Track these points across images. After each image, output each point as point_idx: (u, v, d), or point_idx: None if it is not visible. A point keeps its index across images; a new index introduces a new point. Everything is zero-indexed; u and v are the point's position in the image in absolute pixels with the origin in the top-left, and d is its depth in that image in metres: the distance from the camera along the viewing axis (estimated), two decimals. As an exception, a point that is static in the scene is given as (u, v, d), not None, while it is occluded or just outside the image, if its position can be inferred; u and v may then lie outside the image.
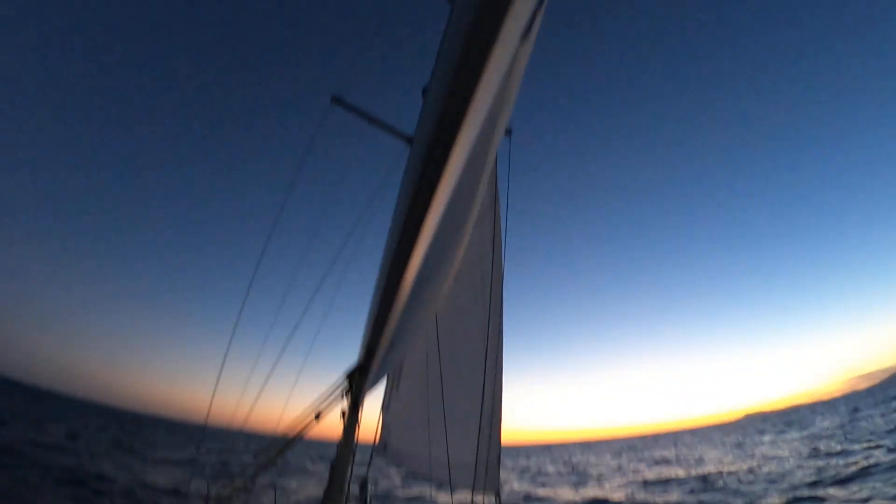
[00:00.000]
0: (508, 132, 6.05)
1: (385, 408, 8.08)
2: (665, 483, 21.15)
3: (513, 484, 27.29)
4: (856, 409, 59.37)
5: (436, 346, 6.12)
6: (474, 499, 5.18)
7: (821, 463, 18.38)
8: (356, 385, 4.14)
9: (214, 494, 3.85)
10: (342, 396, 4.12)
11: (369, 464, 7.74)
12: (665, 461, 34.33)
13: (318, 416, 3.98)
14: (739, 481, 17.91)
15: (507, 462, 56.77)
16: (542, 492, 22.90)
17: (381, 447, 8.25)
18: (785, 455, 24.64)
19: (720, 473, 21.45)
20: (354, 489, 8.48)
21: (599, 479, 26.62)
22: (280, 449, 3.90)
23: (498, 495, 5.69)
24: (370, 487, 9.00)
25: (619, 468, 33.86)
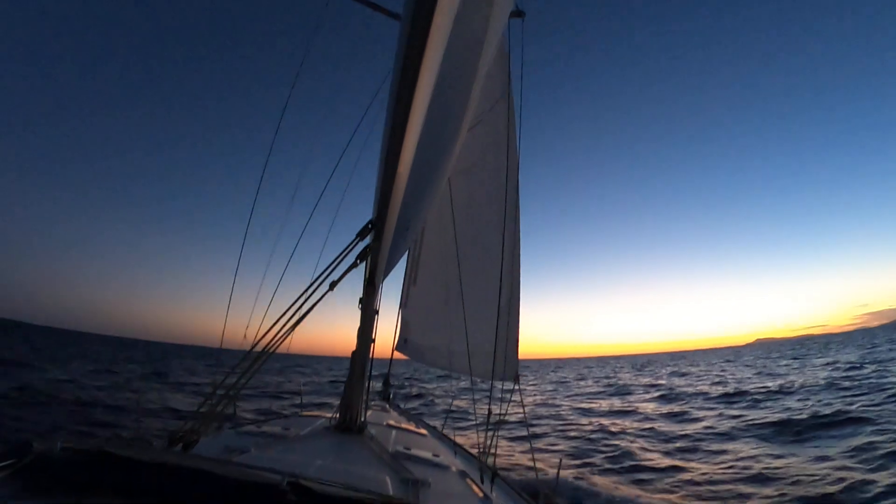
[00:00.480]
0: (519, 14, 5.67)
1: (403, 304, 8.08)
2: (735, 396, 20.17)
3: (560, 399, 26.92)
4: (874, 345, 59.13)
5: (453, 241, 5.97)
6: (494, 386, 5.15)
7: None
8: (371, 254, 4.02)
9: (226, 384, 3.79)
10: (357, 263, 3.98)
11: (391, 360, 7.85)
12: (717, 379, 31.67)
13: (332, 286, 3.82)
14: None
15: (531, 375, 57.96)
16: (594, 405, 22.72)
17: (402, 343, 8.34)
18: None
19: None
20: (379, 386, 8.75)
21: (650, 393, 25.92)
22: (294, 323, 3.76)
23: (517, 381, 5.67)
24: (392, 384, 9.24)
25: (655, 384, 32.71)
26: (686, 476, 8.86)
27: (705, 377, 33.64)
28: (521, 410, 5.64)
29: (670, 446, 11.33)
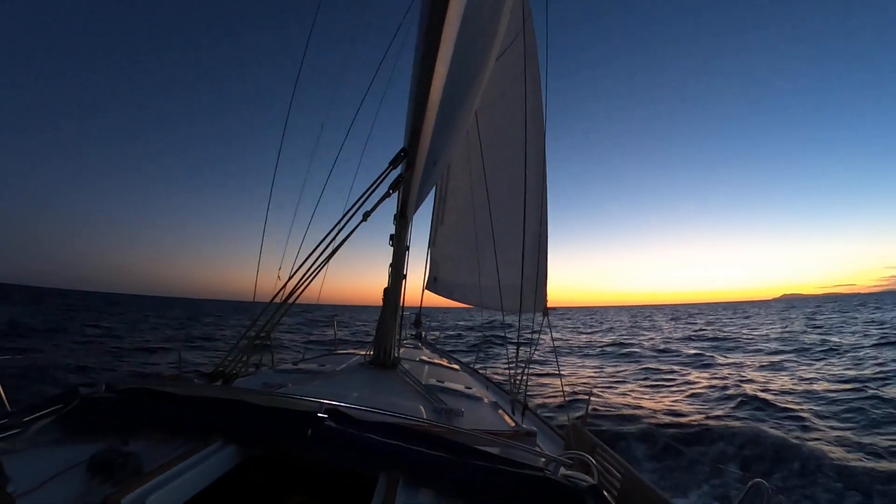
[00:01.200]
0: None
1: (432, 243, 8.10)
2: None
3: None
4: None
5: (479, 179, 5.90)
6: (522, 320, 5.19)
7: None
8: (403, 184, 4.01)
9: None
10: (390, 193, 3.98)
11: (421, 298, 7.95)
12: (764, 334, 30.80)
13: (366, 216, 3.85)
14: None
15: (574, 322, 57.95)
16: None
17: (432, 281, 8.42)
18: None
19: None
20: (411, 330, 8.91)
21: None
22: (330, 253, 3.82)
23: (546, 315, 5.69)
24: (424, 322, 9.41)
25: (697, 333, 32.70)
26: None
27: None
28: (551, 343, 5.70)
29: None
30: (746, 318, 54.10)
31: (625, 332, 36.99)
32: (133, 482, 1.76)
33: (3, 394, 2.59)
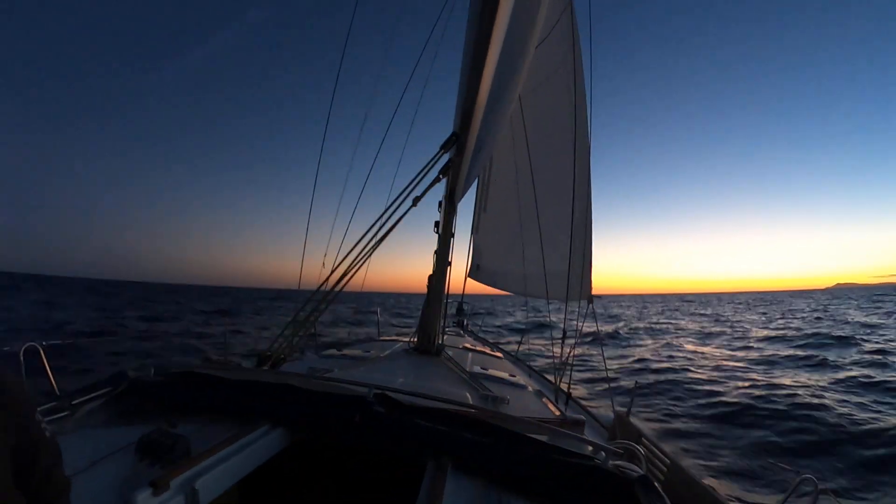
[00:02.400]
0: None
1: (475, 230, 8.07)
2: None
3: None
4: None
5: (524, 165, 5.82)
6: (568, 307, 5.12)
7: None
8: (453, 169, 4.03)
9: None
10: (440, 178, 4.00)
11: (464, 286, 7.94)
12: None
13: (415, 202, 3.87)
14: None
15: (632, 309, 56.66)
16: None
17: (474, 269, 8.40)
18: None
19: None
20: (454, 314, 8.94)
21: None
22: (380, 238, 3.86)
23: (590, 302, 5.60)
24: (466, 308, 9.42)
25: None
26: None
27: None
28: (596, 330, 5.61)
29: None
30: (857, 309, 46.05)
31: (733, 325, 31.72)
32: (181, 464, 1.81)
33: (52, 378, 2.72)
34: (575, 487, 1.90)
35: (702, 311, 52.06)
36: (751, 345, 19.39)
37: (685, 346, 19.70)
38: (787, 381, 11.24)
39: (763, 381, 11.38)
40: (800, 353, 16.06)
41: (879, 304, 50.68)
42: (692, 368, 13.45)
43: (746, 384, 10.99)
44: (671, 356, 16.33)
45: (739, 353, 16.95)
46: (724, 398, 9.79)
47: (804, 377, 11.97)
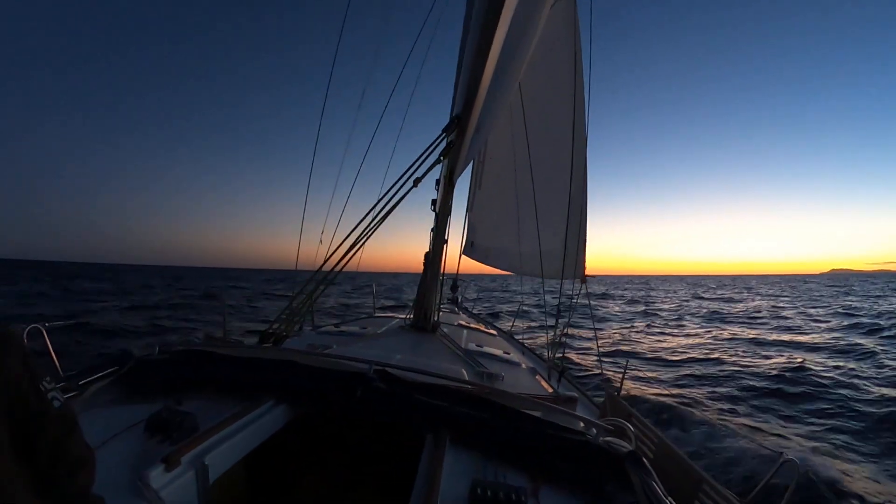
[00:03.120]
0: None
1: (469, 207, 8.08)
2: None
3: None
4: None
5: (519, 143, 5.82)
6: (563, 285, 5.18)
7: None
8: (453, 149, 4.03)
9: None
10: (441, 160, 4.01)
11: (458, 263, 7.98)
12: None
13: (416, 182, 3.88)
14: None
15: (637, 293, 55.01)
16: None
17: (468, 246, 8.43)
18: None
19: None
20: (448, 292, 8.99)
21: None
22: (381, 219, 3.88)
23: (584, 281, 5.67)
24: (461, 286, 9.47)
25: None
26: None
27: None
28: (588, 309, 5.69)
29: None
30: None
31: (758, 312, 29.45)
32: (191, 441, 1.85)
33: (55, 359, 2.74)
34: (568, 461, 1.97)
35: (728, 295, 49.23)
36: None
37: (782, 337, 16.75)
38: None
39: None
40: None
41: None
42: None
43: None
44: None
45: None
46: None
47: None
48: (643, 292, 57.81)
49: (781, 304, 34.25)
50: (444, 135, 3.96)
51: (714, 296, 48.44)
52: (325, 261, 3.93)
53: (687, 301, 39.64)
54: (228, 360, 2.66)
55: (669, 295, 50.67)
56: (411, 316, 4.98)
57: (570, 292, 5.44)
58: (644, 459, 1.99)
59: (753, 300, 40.35)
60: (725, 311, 28.03)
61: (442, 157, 4.01)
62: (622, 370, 4.39)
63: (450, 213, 4.79)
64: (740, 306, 32.67)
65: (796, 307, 31.21)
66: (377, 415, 2.32)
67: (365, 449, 3.20)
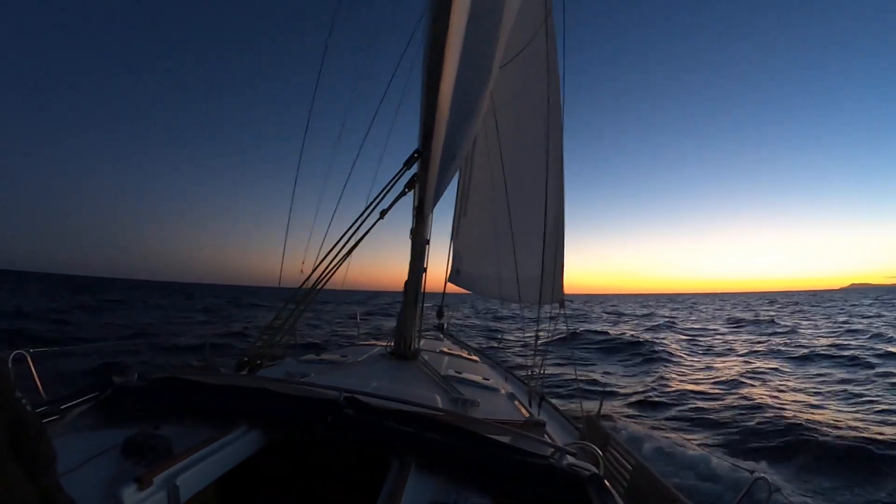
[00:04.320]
0: None
1: (454, 234, 8.19)
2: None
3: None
4: None
5: (500, 173, 5.98)
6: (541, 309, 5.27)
7: None
8: (419, 182, 4.13)
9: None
10: (406, 192, 4.12)
11: (443, 290, 8.07)
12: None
13: (382, 214, 3.98)
14: None
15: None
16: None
17: (454, 274, 8.50)
18: None
19: None
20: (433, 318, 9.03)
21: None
22: (348, 251, 3.97)
23: (562, 305, 5.77)
24: (447, 313, 9.51)
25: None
26: None
27: None
28: (565, 334, 5.77)
29: None
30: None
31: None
32: (164, 463, 1.92)
33: (38, 382, 2.80)
34: (530, 485, 2.02)
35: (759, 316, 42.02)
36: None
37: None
38: None
39: None
40: None
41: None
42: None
43: None
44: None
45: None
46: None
47: None
48: (672, 311, 54.97)
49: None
50: (405, 168, 4.07)
51: (771, 315, 41.96)
52: (299, 288, 4.02)
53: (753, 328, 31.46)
54: (204, 388, 2.73)
55: (714, 318, 42.79)
56: (392, 343, 5.02)
57: (549, 316, 5.53)
58: (607, 482, 2.05)
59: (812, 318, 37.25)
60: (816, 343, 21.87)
61: (406, 190, 4.11)
62: (600, 394, 4.46)
63: (428, 243, 4.88)
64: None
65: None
66: (346, 440, 2.38)
67: (334, 474, 3.24)
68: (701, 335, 26.23)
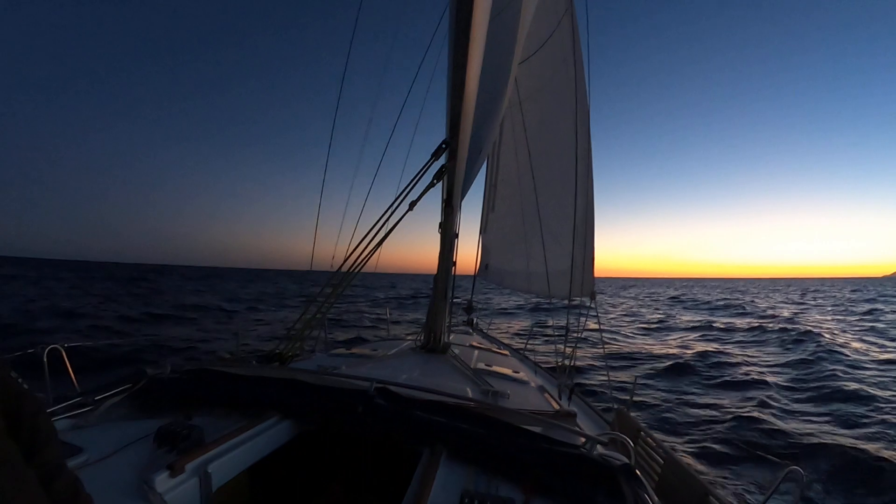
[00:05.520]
0: None
1: (483, 230, 8.18)
2: None
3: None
4: None
5: (527, 166, 5.94)
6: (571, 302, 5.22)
7: None
8: (447, 174, 4.14)
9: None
10: (434, 183, 4.13)
11: (473, 285, 8.08)
12: None
13: (411, 206, 4.01)
14: None
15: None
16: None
17: (483, 269, 8.50)
18: None
19: None
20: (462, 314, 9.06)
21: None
22: (377, 243, 4.00)
23: (593, 297, 5.70)
24: (476, 308, 9.52)
25: None
26: None
27: None
28: (598, 327, 5.70)
29: None
30: None
31: None
32: (195, 451, 1.97)
33: (73, 375, 2.92)
34: (560, 474, 2.00)
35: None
36: None
37: None
38: None
39: None
40: None
41: None
42: None
43: None
44: None
45: None
46: None
47: None
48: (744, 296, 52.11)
49: None
50: (433, 159, 4.08)
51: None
52: (327, 282, 4.07)
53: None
54: (236, 379, 2.80)
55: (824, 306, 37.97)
56: (422, 337, 5.06)
57: (579, 309, 5.48)
58: (638, 472, 2.02)
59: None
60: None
61: (435, 181, 4.12)
62: (631, 386, 4.40)
63: (457, 236, 4.88)
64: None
65: None
66: (377, 430, 2.40)
67: (366, 463, 3.28)
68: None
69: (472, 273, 7.83)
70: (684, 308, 35.56)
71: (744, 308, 33.86)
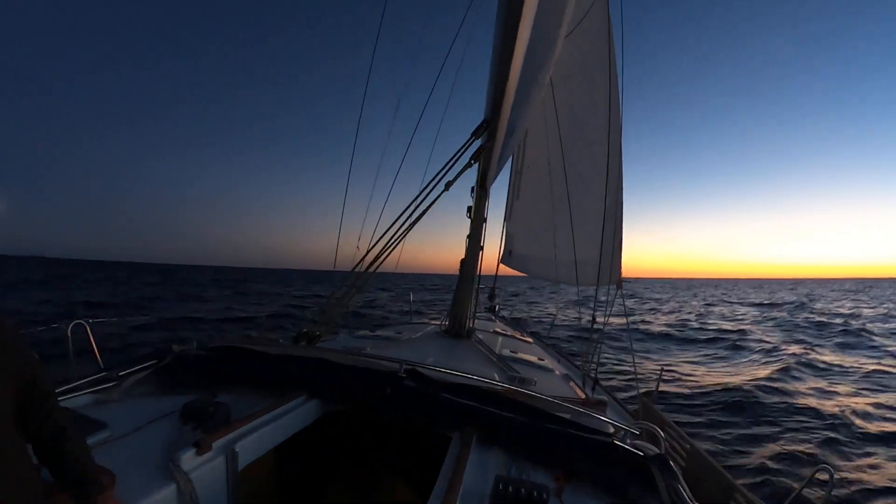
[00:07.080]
0: None
1: (508, 216, 8.12)
2: None
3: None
4: None
5: (555, 153, 5.85)
6: (598, 292, 5.18)
7: None
8: (485, 154, 4.13)
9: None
10: (471, 163, 4.11)
11: (496, 272, 8.05)
12: None
13: (447, 186, 4.00)
14: None
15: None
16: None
17: (507, 256, 8.46)
18: None
19: None
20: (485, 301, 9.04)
21: None
22: (412, 223, 4.01)
23: (620, 286, 5.64)
24: (498, 294, 9.50)
25: None
26: None
27: None
28: (625, 317, 5.64)
29: None
30: None
31: None
32: (222, 429, 1.96)
33: (97, 351, 2.95)
34: (593, 462, 1.98)
35: None
36: None
37: None
38: None
39: None
40: None
41: None
42: None
43: None
44: None
45: None
46: None
47: None
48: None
49: None
50: (473, 138, 4.05)
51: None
52: (359, 262, 4.08)
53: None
54: (263, 357, 2.80)
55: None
56: (447, 322, 5.06)
57: (606, 298, 5.42)
58: (671, 463, 2.00)
59: None
60: None
61: (472, 161, 4.09)
62: (657, 376, 4.35)
63: (485, 220, 4.85)
64: None
65: None
66: (406, 413, 2.39)
67: (394, 445, 3.29)
68: None
69: (496, 264, 7.82)
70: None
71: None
